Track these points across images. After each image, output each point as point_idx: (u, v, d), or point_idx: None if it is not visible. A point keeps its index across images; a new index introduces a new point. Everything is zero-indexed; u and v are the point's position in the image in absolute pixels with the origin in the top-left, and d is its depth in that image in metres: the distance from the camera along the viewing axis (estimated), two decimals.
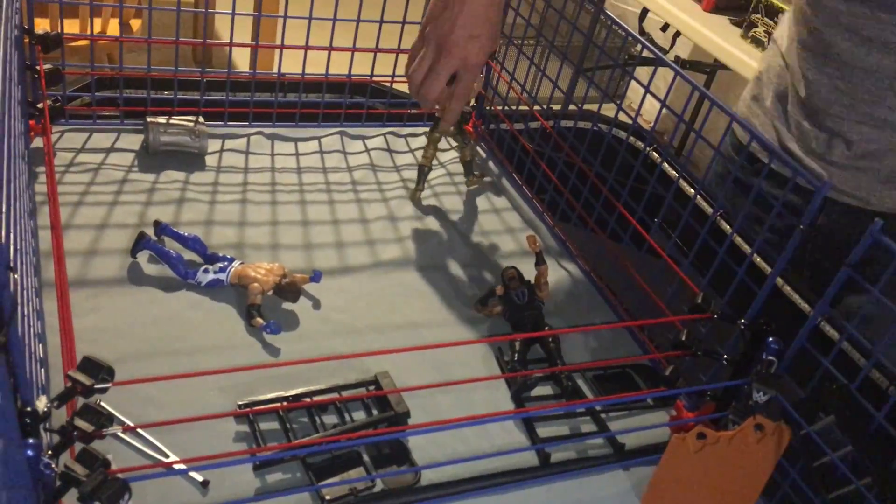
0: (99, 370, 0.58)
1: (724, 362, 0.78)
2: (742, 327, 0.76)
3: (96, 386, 0.58)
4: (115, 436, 0.69)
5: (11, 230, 0.53)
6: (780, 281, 0.87)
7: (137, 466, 0.65)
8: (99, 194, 0.95)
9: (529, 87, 1.15)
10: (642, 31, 2.71)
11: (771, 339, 0.73)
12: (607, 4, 3.23)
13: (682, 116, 0.86)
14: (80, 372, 0.58)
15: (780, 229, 0.90)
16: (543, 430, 0.79)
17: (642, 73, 2.65)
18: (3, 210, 0.51)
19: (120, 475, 0.57)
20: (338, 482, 0.69)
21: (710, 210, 0.96)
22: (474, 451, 0.75)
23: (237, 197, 1.00)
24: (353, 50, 1.11)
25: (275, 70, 1.11)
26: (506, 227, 1.08)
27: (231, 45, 1.09)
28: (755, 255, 0.87)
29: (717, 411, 0.79)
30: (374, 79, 1.17)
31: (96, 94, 1.03)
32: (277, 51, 1.08)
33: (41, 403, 0.55)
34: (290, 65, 1.11)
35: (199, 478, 0.67)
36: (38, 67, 0.93)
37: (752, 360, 0.76)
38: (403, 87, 1.21)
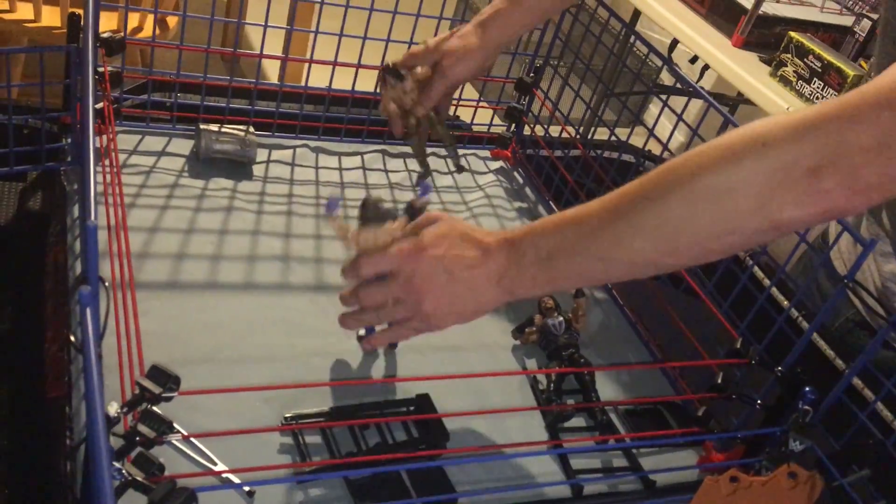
0: (167, 379, 0.60)
1: (758, 407, 0.80)
2: (778, 374, 0.78)
3: (163, 394, 0.60)
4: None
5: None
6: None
7: (190, 474, 0.67)
8: (151, 197, 0.97)
9: (565, 110, 1.17)
10: (671, 62, 2.73)
11: (807, 388, 0.75)
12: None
13: None
14: (148, 379, 0.60)
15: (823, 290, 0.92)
16: (576, 462, 0.81)
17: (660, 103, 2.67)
18: (93, 215, 0.53)
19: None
20: None
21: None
22: (509, 476, 0.77)
23: (283, 209, 1.02)
24: (381, 68, 1.13)
25: (303, 83, 1.13)
26: None
27: (261, 56, 1.11)
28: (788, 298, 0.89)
29: (746, 455, 0.80)
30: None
31: (152, 98, 1.06)
32: (306, 64, 1.10)
33: (112, 409, 0.57)
34: (317, 78, 1.13)
35: (246, 487, 0.69)
36: (101, 70, 0.95)
37: (786, 407, 0.78)
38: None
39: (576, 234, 0.66)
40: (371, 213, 0.77)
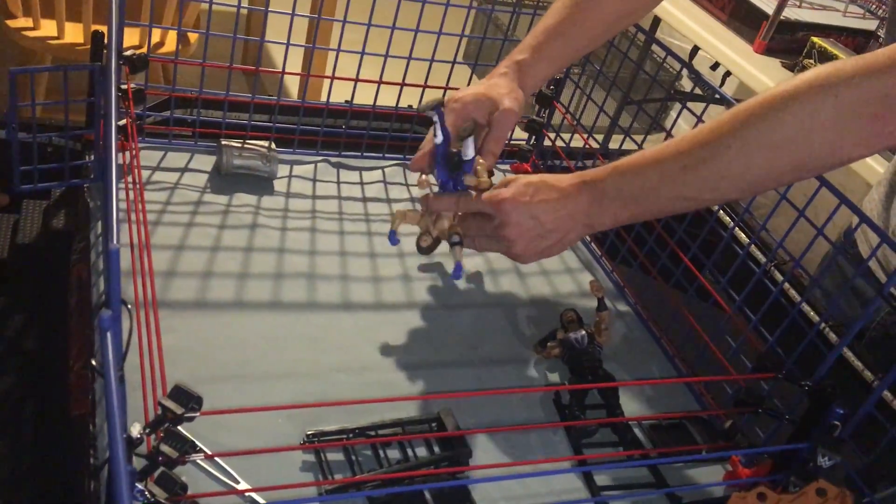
0: (189, 399, 0.60)
1: (786, 421, 0.79)
2: (807, 389, 0.77)
3: (185, 415, 0.60)
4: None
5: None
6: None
7: (212, 493, 0.67)
8: (174, 214, 0.98)
9: (580, 117, 1.16)
10: (692, 69, 2.72)
11: (836, 403, 0.73)
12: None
13: None
14: (170, 399, 0.60)
15: (858, 292, 0.90)
16: (601, 477, 0.80)
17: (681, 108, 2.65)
18: (115, 238, 0.53)
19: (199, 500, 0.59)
20: None
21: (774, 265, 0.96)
22: (532, 492, 0.76)
23: (306, 224, 1.02)
24: (403, 84, 1.13)
25: (323, 98, 1.13)
26: (564, 266, 1.10)
27: (283, 73, 1.11)
28: (815, 307, 0.88)
29: (774, 470, 0.79)
30: None
31: (174, 115, 1.06)
32: (327, 79, 1.10)
33: (135, 430, 0.57)
34: (339, 93, 1.13)
35: None
36: (124, 87, 0.95)
37: (814, 422, 0.76)
38: None
39: (659, 177, 0.75)
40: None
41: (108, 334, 0.43)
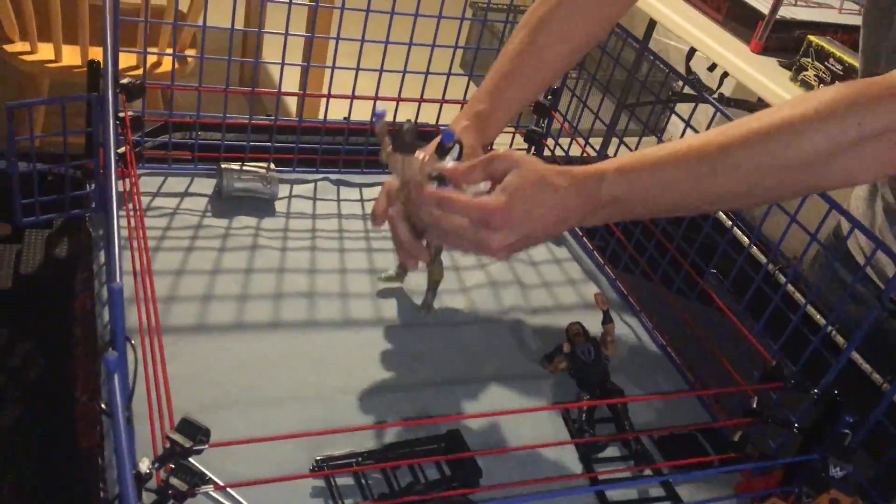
0: (196, 431, 0.60)
1: (795, 430, 0.78)
2: (815, 397, 0.77)
3: (194, 448, 0.59)
4: None
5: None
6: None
7: None
8: (175, 239, 0.98)
9: (575, 122, 1.16)
10: (689, 71, 2.71)
11: (845, 412, 0.73)
12: (651, 40, 3.25)
13: None
14: (178, 433, 0.60)
15: (861, 299, 0.90)
16: (612, 493, 0.79)
17: (684, 110, 2.65)
18: (118, 277, 0.53)
19: None
20: None
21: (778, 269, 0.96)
22: None
23: (307, 244, 1.02)
24: (399, 100, 1.14)
25: (320, 115, 1.13)
26: (567, 278, 1.09)
27: (279, 93, 1.11)
28: (823, 315, 0.87)
29: (785, 479, 0.79)
30: (441, 127, 1.19)
31: (173, 139, 1.06)
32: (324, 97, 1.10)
33: (144, 466, 0.57)
34: (336, 109, 1.13)
35: None
36: (122, 115, 0.95)
37: (823, 430, 0.76)
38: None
39: (660, 187, 0.74)
40: (408, 139, 0.79)
41: (116, 376, 0.43)
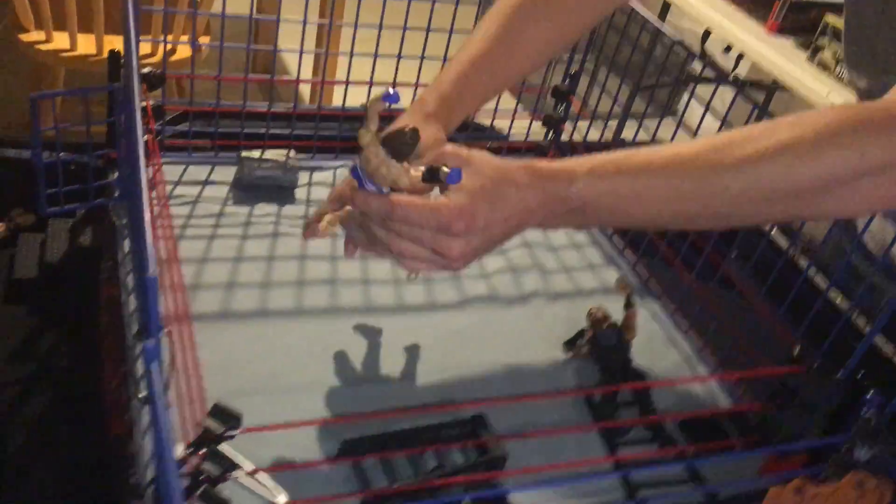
0: (228, 417, 0.61)
1: (819, 414, 0.78)
2: (839, 381, 0.77)
3: (226, 433, 0.60)
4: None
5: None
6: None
7: None
8: (198, 227, 0.98)
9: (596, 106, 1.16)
10: (704, 53, 2.70)
11: (871, 393, 0.73)
12: (666, 22, 3.23)
13: None
14: (211, 419, 0.61)
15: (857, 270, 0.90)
16: (636, 476, 0.80)
17: (701, 92, 2.64)
18: (151, 266, 0.53)
19: None
20: None
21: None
22: (568, 493, 0.77)
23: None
24: (417, 85, 1.13)
25: (338, 102, 1.13)
26: (587, 262, 1.10)
27: (298, 81, 1.12)
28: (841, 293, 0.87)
29: (809, 462, 0.79)
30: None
31: (193, 128, 1.07)
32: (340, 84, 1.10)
33: (178, 451, 0.58)
34: (353, 96, 1.13)
35: None
36: (143, 104, 0.96)
37: (848, 413, 0.76)
38: (486, 121, 1.24)
39: (636, 200, 0.67)
40: (400, 143, 0.69)
41: (153, 365, 0.44)
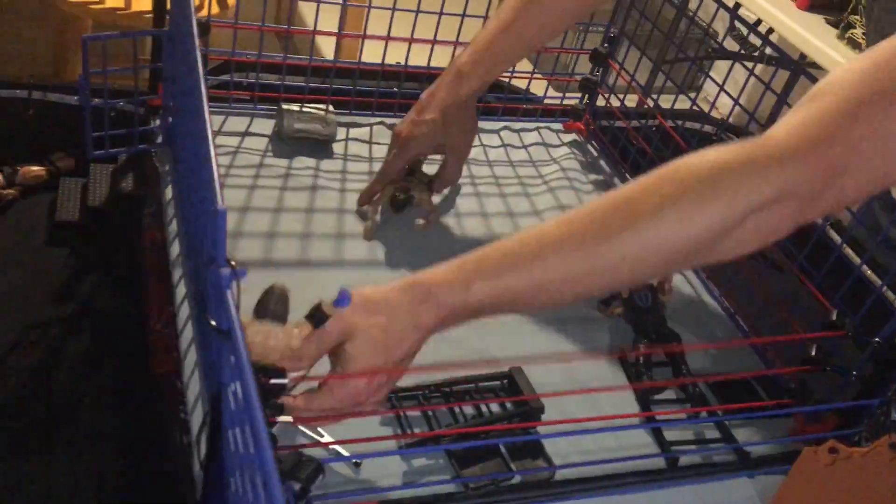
0: (274, 368, 0.62)
1: (854, 379, 0.79)
2: (876, 346, 0.78)
3: (276, 382, 0.61)
4: None
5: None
6: None
7: (301, 445, 0.69)
8: (238, 177, 0.99)
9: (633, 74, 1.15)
10: (733, 28, 2.68)
11: None
12: None
13: None
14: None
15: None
16: (669, 433, 0.81)
17: (723, 67, 2.62)
18: (220, 203, 0.54)
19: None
20: (481, 476, 0.72)
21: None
22: (602, 447, 0.78)
23: (364, 186, 1.03)
24: (434, 42, 1.13)
25: (369, 59, 1.12)
26: None
27: (315, 32, 1.10)
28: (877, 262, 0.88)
29: (839, 427, 0.80)
30: None
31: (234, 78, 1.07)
32: (374, 40, 1.09)
33: None
34: (370, 54, 1.12)
35: (354, 459, 0.71)
36: None
37: (883, 378, 0.77)
38: (521, 83, 1.24)
39: (528, 287, 0.65)
40: (274, 305, 0.69)
41: (229, 292, 0.45)
